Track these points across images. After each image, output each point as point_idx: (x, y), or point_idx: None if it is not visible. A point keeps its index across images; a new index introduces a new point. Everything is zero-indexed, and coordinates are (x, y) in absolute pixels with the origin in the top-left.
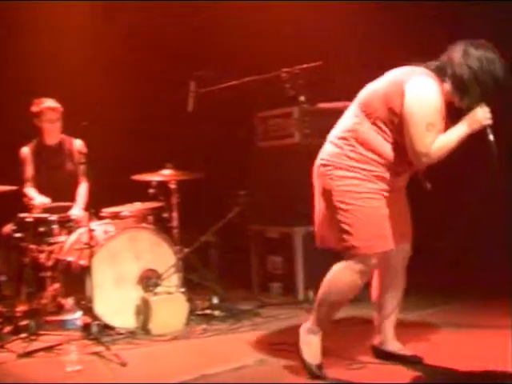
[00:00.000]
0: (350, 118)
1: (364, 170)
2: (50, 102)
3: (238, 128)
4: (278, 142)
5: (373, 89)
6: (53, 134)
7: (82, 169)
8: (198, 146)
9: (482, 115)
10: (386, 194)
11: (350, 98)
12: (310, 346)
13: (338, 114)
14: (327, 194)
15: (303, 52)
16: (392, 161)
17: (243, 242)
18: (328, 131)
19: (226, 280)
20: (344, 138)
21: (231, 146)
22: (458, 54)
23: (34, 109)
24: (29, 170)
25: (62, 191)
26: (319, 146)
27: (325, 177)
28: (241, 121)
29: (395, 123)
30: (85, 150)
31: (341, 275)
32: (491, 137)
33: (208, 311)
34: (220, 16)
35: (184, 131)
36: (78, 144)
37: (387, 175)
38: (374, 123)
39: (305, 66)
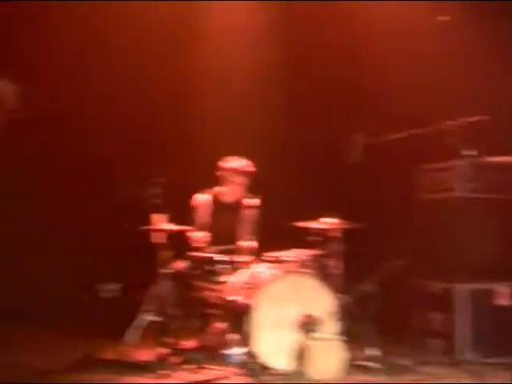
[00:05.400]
0: None
1: None
2: (240, 163)
3: (399, 180)
4: (440, 195)
5: None
6: (233, 193)
7: (252, 228)
8: (360, 195)
9: None
10: None
11: None
12: None
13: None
14: None
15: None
16: None
17: (400, 294)
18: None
19: (382, 331)
20: None
21: (392, 197)
22: None
23: (224, 165)
24: (201, 218)
25: (226, 240)
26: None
27: None
28: (403, 173)
29: None
30: (257, 206)
31: None
32: None
33: (365, 362)
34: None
35: (347, 181)
36: (251, 202)
37: None
38: None
39: (469, 119)
